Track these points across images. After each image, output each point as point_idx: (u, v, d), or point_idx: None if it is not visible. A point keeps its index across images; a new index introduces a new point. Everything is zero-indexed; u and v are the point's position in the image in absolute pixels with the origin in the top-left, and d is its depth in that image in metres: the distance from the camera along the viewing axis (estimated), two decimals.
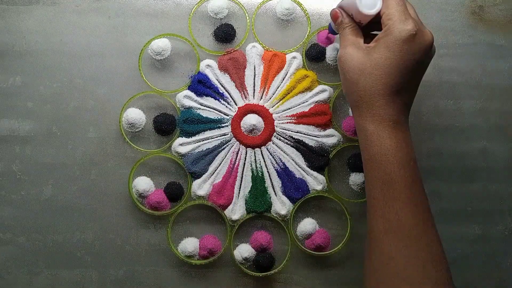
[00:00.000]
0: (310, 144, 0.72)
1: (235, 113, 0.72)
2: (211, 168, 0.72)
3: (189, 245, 0.70)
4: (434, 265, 0.53)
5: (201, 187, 0.71)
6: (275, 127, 0.72)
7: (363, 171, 0.72)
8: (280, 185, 0.72)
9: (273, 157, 0.72)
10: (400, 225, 0.54)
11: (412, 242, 0.53)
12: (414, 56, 0.56)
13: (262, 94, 0.73)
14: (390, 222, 0.54)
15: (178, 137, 0.72)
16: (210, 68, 0.73)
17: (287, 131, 0.72)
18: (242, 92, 0.73)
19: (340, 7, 0.63)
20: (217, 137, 0.72)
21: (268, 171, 0.72)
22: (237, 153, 0.72)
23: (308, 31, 0.74)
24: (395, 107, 0.56)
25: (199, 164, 0.71)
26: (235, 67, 0.73)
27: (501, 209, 0.75)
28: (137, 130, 0.71)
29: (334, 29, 0.65)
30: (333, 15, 0.63)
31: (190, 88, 0.72)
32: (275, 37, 0.74)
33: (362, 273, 0.58)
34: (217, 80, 0.73)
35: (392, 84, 0.56)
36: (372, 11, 0.58)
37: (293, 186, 0.72)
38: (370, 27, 0.62)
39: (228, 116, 0.72)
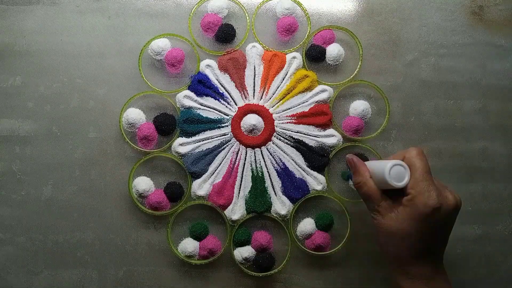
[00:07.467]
0: (310, 144, 0.72)
1: (235, 113, 0.72)
2: (211, 168, 0.71)
3: (189, 245, 0.70)
4: None
5: (201, 187, 0.71)
6: (275, 127, 0.72)
7: None
8: (280, 185, 0.72)
9: (273, 157, 0.72)
10: None
11: None
12: (440, 223, 0.57)
13: (262, 94, 0.73)
14: None
15: (178, 137, 0.72)
16: (210, 68, 0.73)
17: (287, 131, 0.72)
18: (242, 92, 0.73)
19: (364, 167, 0.62)
20: (217, 137, 0.72)
21: (268, 171, 0.72)
22: (237, 153, 0.72)
23: (308, 31, 0.74)
24: (425, 265, 0.57)
25: (199, 164, 0.71)
26: (235, 67, 0.73)
27: (501, 209, 0.75)
28: (137, 130, 0.71)
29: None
30: (349, 162, 0.64)
31: (190, 88, 0.72)
32: (275, 37, 0.74)
33: None
34: (217, 80, 0.73)
35: (420, 249, 0.57)
36: (401, 184, 0.57)
37: (293, 186, 0.72)
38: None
39: (228, 116, 0.72)
